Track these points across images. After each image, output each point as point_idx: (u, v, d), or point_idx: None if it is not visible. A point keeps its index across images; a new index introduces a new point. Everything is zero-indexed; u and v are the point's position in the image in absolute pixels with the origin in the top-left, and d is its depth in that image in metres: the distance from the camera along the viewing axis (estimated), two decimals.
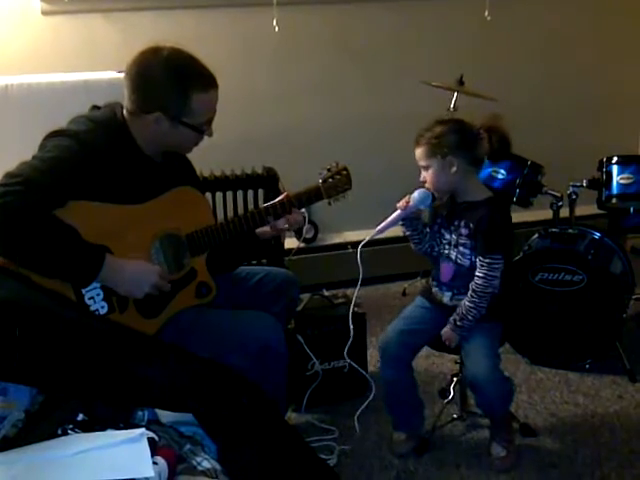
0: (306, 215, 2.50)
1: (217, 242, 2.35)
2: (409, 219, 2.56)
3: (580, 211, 3.43)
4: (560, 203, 3.38)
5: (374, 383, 2.89)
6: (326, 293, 3.20)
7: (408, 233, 2.60)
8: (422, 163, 2.49)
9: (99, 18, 3.63)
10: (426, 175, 2.49)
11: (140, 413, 1.85)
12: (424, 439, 2.72)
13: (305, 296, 3.10)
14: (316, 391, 2.98)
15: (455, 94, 3.62)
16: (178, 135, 2.26)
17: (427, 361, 3.24)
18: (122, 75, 2.27)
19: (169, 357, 1.94)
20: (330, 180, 2.49)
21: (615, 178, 3.32)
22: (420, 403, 2.74)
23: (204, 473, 1.69)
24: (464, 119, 2.53)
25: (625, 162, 3.32)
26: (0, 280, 2.01)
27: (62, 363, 1.81)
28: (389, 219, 2.52)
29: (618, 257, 3.34)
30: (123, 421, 1.81)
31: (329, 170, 2.51)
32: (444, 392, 2.97)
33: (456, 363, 2.86)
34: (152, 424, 1.83)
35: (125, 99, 2.24)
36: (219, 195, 3.48)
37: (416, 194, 2.49)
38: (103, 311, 2.19)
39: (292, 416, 2.93)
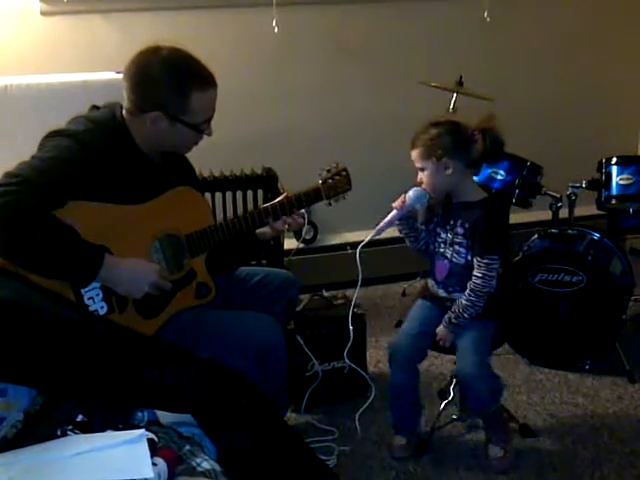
0: (306, 216, 2.50)
1: (216, 242, 2.35)
2: (405, 218, 2.57)
3: (579, 212, 3.43)
4: (559, 204, 3.38)
5: (374, 384, 2.89)
6: (326, 294, 3.19)
7: (404, 232, 2.63)
8: (418, 165, 2.51)
9: (98, 19, 3.63)
10: (422, 176, 2.51)
11: (139, 414, 1.86)
12: (423, 440, 2.72)
13: (305, 297, 3.10)
14: (316, 392, 2.98)
15: (454, 95, 3.62)
16: (177, 134, 2.26)
17: (426, 362, 3.20)
18: (121, 76, 2.27)
19: (168, 358, 1.93)
20: (330, 181, 2.49)
21: (614, 179, 3.32)
22: (422, 407, 2.74)
23: (204, 474, 1.69)
24: (459, 120, 2.54)
25: (625, 163, 3.32)
26: (0, 281, 2.01)
27: (61, 364, 1.80)
28: (386, 219, 2.54)
29: (617, 258, 3.35)
30: (122, 422, 1.81)
31: (329, 171, 2.51)
32: (443, 393, 2.97)
33: (455, 364, 2.85)
34: (151, 425, 1.83)
35: (124, 99, 2.24)
36: (218, 195, 3.47)
37: (411, 193, 2.50)
38: (102, 311, 2.19)
39: (292, 417, 2.93)
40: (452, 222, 2.56)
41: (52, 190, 2.06)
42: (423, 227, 2.64)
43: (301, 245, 3.82)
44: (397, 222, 2.57)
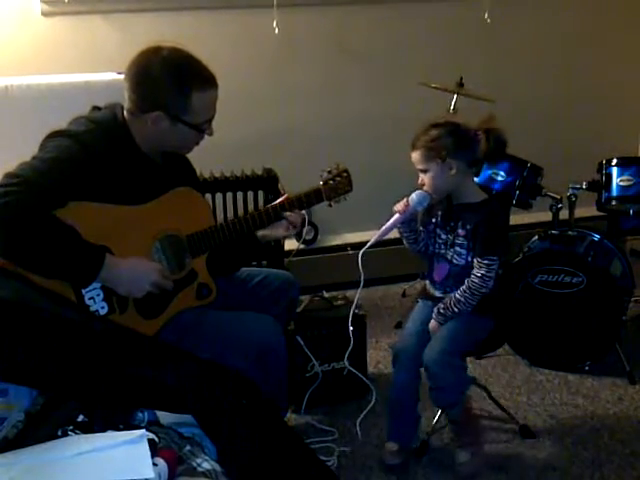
0: (306, 217, 2.50)
1: (217, 243, 2.36)
2: (407, 221, 2.57)
3: (580, 213, 3.44)
4: (560, 205, 3.39)
5: (373, 385, 2.89)
6: (326, 295, 3.20)
7: (405, 234, 2.62)
8: (420, 167, 2.50)
9: (99, 19, 3.63)
10: (424, 178, 2.50)
11: (140, 414, 1.86)
12: (423, 441, 2.72)
13: (305, 297, 3.11)
14: (316, 392, 2.98)
15: (454, 96, 3.62)
16: (178, 134, 2.26)
17: None
18: (122, 76, 2.27)
19: (169, 358, 1.94)
20: (331, 182, 2.49)
21: (615, 180, 3.32)
22: (418, 416, 2.72)
23: (204, 474, 1.69)
24: (459, 121, 2.54)
25: (625, 164, 3.33)
26: (0, 280, 2.01)
27: (62, 364, 1.80)
28: (389, 223, 2.53)
29: (618, 259, 3.35)
30: (123, 422, 1.81)
31: (330, 172, 2.51)
32: None
33: None
34: (152, 425, 1.83)
35: (125, 99, 2.24)
36: (219, 196, 3.47)
37: (414, 196, 2.49)
38: (103, 312, 2.19)
39: (292, 417, 2.93)
40: (453, 224, 2.56)
41: (53, 190, 2.06)
42: (422, 229, 2.64)
43: (301, 246, 3.80)
44: (399, 225, 2.57)
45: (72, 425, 1.75)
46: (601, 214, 3.51)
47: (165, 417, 1.88)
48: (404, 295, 4.02)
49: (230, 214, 3.49)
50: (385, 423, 2.74)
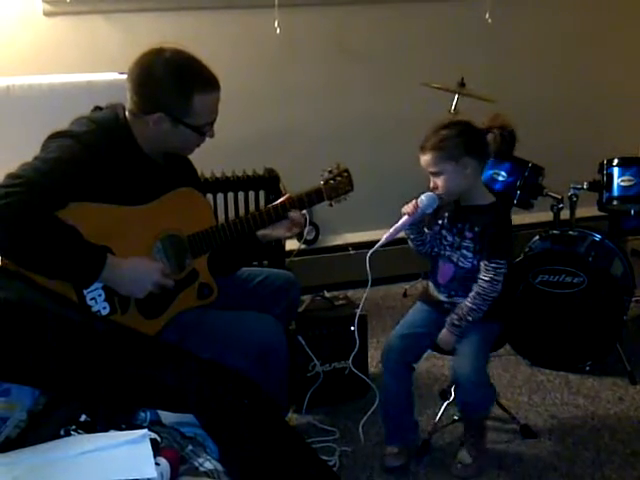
0: (307, 217, 2.50)
1: (219, 243, 2.36)
2: (416, 223, 2.53)
3: (581, 213, 3.44)
4: (561, 205, 3.39)
5: (375, 384, 2.89)
6: (327, 294, 3.20)
7: (412, 236, 2.58)
8: (433, 169, 2.44)
9: (101, 19, 3.63)
10: (437, 181, 2.44)
11: (142, 414, 1.86)
12: (425, 441, 2.73)
13: (306, 297, 3.11)
14: (317, 392, 2.98)
15: (456, 96, 3.63)
16: (179, 136, 2.26)
17: (428, 363, 3.25)
18: (124, 76, 2.27)
19: (170, 358, 1.94)
20: (331, 182, 2.50)
21: (616, 180, 3.32)
22: (415, 422, 2.72)
23: (206, 474, 1.70)
24: (468, 120, 2.51)
25: (626, 164, 3.33)
26: (3, 281, 2.01)
27: (64, 364, 1.81)
28: (397, 225, 2.48)
29: (619, 259, 3.35)
30: (125, 422, 1.81)
31: (330, 172, 2.51)
32: (445, 393, 2.98)
33: None
34: (154, 425, 1.84)
35: (127, 100, 2.25)
36: (220, 196, 3.48)
37: (424, 198, 2.45)
38: (105, 312, 2.20)
39: (293, 417, 2.93)
40: (460, 226, 2.53)
41: (54, 191, 2.06)
42: (427, 230, 2.60)
43: (303, 246, 3.82)
44: (407, 227, 2.53)
45: (75, 425, 1.75)
46: (602, 214, 3.51)
47: (167, 417, 1.89)
48: (405, 295, 4.03)
49: (231, 214, 3.49)
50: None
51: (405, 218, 2.47)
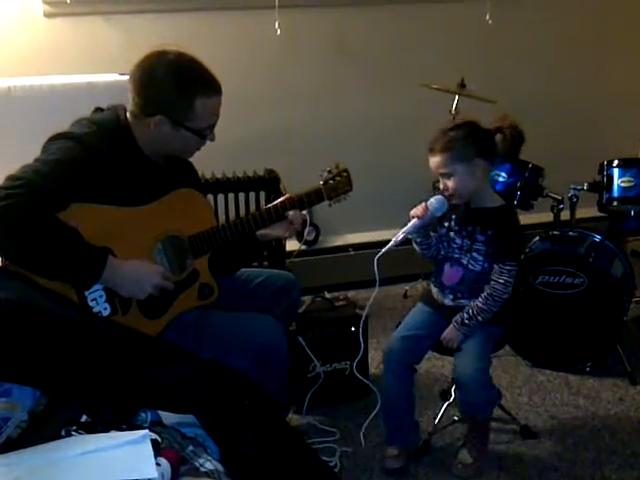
0: (308, 217, 2.50)
1: (219, 244, 2.36)
2: (424, 227, 2.50)
3: (581, 214, 3.44)
4: (561, 206, 3.39)
5: (375, 386, 2.89)
6: (327, 295, 3.20)
7: (419, 239, 2.55)
8: (444, 170, 2.42)
9: (101, 20, 3.63)
10: (448, 182, 2.43)
11: (143, 415, 1.87)
12: (425, 441, 2.73)
13: (307, 298, 3.11)
14: (317, 393, 2.98)
15: (456, 97, 3.63)
16: (180, 139, 2.26)
17: (428, 363, 3.25)
18: (124, 77, 2.27)
19: (171, 359, 1.94)
20: (331, 182, 2.50)
21: (616, 181, 3.32)
22: (416, 424, 2.72)
23: (207, 474, 1.70)
24: (476, 120, 2.49)
25: (626, 165, 3.33)
26: (4, 282, 2.01)
27: (65, 364, 1.81)
28: (406, 228, 2.45)
29: (619, 260, 3.35)
30: (126, 423, 1.81)
31: (330, 172, 2.51)
32: (445, 394, 2.98)
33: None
34: (155, 426, 1.84)
35: (129, 102, 2.25)
36: (221, 197, 3.48)
37: (434, 201, 2.44)
38: (106, 313, 2.20)
39: (293, 418, 2.93)
40: (470, 229, 2.51)
41: (55, 192, 2.06)
42: (433, 233, 2.58)
43: (303, 247, 3.82)
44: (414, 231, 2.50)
45: (75, 425, 1.76)
46: (602, 215, 3.51)
47: (168, 417, 1.89)
48: (406, 296, 4.03)
49: (232, 215, 3.50)
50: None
51: (414, 221, 2.45)
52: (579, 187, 3.37)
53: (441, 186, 2.47)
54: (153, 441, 1.67)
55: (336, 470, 2.61)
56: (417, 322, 2.65)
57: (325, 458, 2.60)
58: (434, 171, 2.46)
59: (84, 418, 1.78)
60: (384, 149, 4.14)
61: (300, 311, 2.97)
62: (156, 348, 2.03)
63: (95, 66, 3.28)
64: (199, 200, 2.42)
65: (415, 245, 2.59)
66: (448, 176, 2.43)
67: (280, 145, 3.95)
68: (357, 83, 4.10)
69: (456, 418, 2.84)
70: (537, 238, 3.39)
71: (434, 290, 2.65)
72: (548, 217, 3.48)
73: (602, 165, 3.39)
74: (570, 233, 3.32)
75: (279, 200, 2.45)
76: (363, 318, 2.72)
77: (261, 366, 2.25)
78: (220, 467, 1.74)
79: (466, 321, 2.50)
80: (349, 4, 4.02)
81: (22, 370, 1.80)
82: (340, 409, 3.00)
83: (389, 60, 4.11)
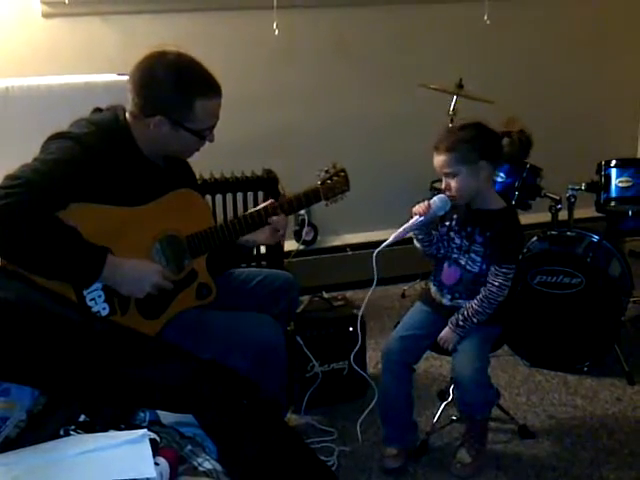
0: (305, 217, 2.50)
1: (217, 244, 2.36)
2: (426, 225, 2.50)
3: (579, 214, 3.44)
4: (559, 206, 3.40)
5: (374, 384, 2.89)
6: (325, 295, 3.20)
7: (420, 237, 2.55)
8: (448, 170, 2.41)
9: (99, 21, 3.63)
10: (451, 182, 2.42)
11: (141, 414, 1.86)
12: (423, 441, 2.73)
13: (305, 298, 3.11)
14: (315, 393, 2.98)
15: (454, 97, 3.63)
16: (179, 140, 2.26)
17: (426, 363, 3.25)
18: (122, 78, 2.28)
19: (170, 358, 1.94)
20: (328, 182, 2.50)
21: (614, 181, 3.33)
22: (414, 424, 2.72)
23: (205, 474, 1.70)
24: (484, 122, 2.47)
25: (624, 165, 3.33)
26: (2, 281, 2.01)
27: (64, 364, 1.81)
28: (407, 225, 2.45)
29: (616, 260, 3.36)
30: (124, 422, 1.81)
31: (327, 172, 2.52)
32: (443, 394, 2.98)
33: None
34: (153, 425, 1.84)
35: (128, 102, 2.25)
36: (219, 197, 3.48)
37: (437, 200, 2.43)
38: (104, 313, 2.20)
39: (291, 417, 2.93)
40: (469, 229, 2.51)
41: (54, 192, 2.06)
42: (434, 232, 2.57)
43: (301, 247, 3.83)
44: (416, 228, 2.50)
45: (74, 425, 1.75)
46: (600, 215, 3.52)
47: (166, 417, 1.89)
48: (404, 296, 4.03)
49: (230, 215, 3.50)
50: None
51: (415, 218, 2.45)
52: (577, 187, 3.38)
53: (443, 185, 2.46)
54: (152, 440, 1.67)
55: (334, 469, 2.61)
56: (415, 322, 2.65)
57: (323, 458, 2.60)
58: (438, 170, 2.45)
59: (83, 418, 1.78)
60: (382, 149, 4.14)
61: (298, 311, 2.97)
62: (155, 348, 2.03)
63: (93, 66, 3.28)
64: (197, 200, 2.43)
65: (416, 242, 2.58)
66: (451, 176, 2.42)
67: (278, 145, 3.95)
68: (355, 83, 4.11)
69: (454, 418, 2.84)
70: (535, 238, 3.40)
71: (433, 289, 2.65)
72: (546, 217, 3.49)
73: (600, 165, 3.40)
74: (568, 233, 3.32)
75: (266, 203, 2.46)
76: (361, 312, 2.71)
77: (260, 366, 2.25)
78: (218, 466, 1.74)
79: (461, 322, 2.50)
80: (347, 4, 4.03)
81: (21, 370, 1.80)
82: (338, 409, 3.00)
83: (387, 60, 4.11)
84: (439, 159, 2.42)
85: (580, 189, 3.38)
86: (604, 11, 4.44)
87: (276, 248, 3.41)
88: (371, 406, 2.73)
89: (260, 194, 3.52)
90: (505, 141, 2.49)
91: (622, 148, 4.12)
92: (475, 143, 2.40)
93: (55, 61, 3.54)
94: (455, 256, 2.55)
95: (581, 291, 3.13)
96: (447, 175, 2.43)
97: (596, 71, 4.51)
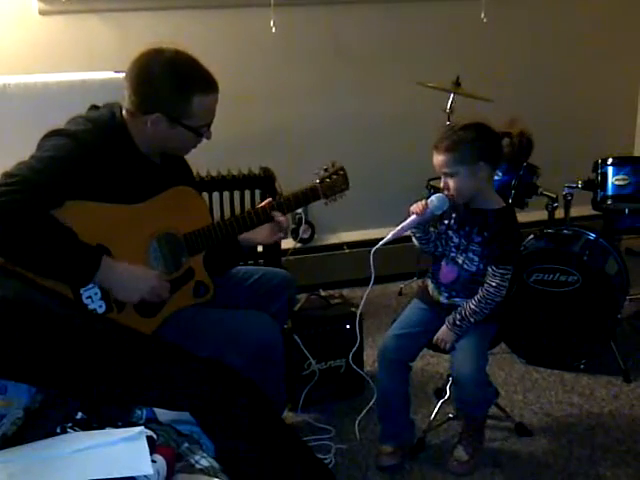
0: (302, 215, 2.50)
1: (215, 242, 2.36)
2: (423, 223, 2.50)
3: (575, 212, 3.45)
4: (555, 204, 3.40)
5: (372, 383, 2.90)
6: (323, 293, 3.20)
7: (417, 235, 2.54)
8: (447, 170, 2.40)
9: (96, 18, 3.63)
10: (449, 182, 2.41)
11: (138, 412, 1.86)
12: (420, 439, 2.73)
13: (302, 296, 3.11)
14: (312, 390, 2.99)
15: (451, 95, 3.64)
16: (177, 137, 2.26)
17: (423, 361, 3.25)
18: (119, 75, 2.27)
19: (167, 356, 1.94)
20: (327, 180, 2.50)
21: (610, 179, 3.33)
22: (411, 422, 2.72)
23: (202, 471, 1.70)
24: (485, 123, 2.46)
25: (620, 163, 3.34)
26: (0, 279, 2.01)
27: (61, 362, 1.81)
28: (405, 223, 2.45)
29: (613, 258, 3.35)
30: (121, 420, 1.81)
31: (326, 170, 2.52)
32: (440, 392, 2.98)
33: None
34: (150, 423, 1.84)
35: (125, 99, 2.24)
36: (216, 195, 3.48)
37: (434, 199, 2.43)
38: (101, 310, 2.19)
39: (288, 415, 2.93)
40: (467, 229, 2.50)
41: (50, 189, 2.06)
42: (433, 229, 2.57)
43: (298, 245, 3.83)
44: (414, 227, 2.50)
45: (71, 422, 1.75)
46: (597, 213, 3.52)
47: (163, 414, 1.89)
48: (401, 293, 4.03)
49: (227, 213, 3.49)
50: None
51: (413, 217, 2.45)
52: (573, 185, 3.38)
53: (442, 184, 2.46)
54: (149, 438, 1.67)
55: (331, 467, 2.61)
56: (412, 320, 2.65)
57: (320, 455, 2.60)
58: (437, 169, 2.44)
59: (80, 415, 1.78)
60: (379, 146, 4.14)
61: (295, 309, 2.97)
62: (152, 346, 2.03)
63: (90, 64, 3.28)
64: (195, 198, 2.43)
65: (414, 239, 2.58)
66: (450, 175, 2.41)
67: (275, 143, 3.95)
68: (352, 81, 4.11)
69: (451, 415, 2.84)
70: (532, 236, 3.39)
71: (430, 287, 2.65)
72: (543, 215, 3.49)
73: (596, 163, 3.40)
74: (565, 231, 3.32)
75: (266, 201, 2.46)
76: (359, 310, 2.72)
77: (257, 363, 2.25)
78: (215, 464, 1.74)
79: (458, 322, 2.50)
80: (344, 2, 4.03)
81: (18, 367, 1.79)
82: (335, 407, 3.00)
83: (384, 58, 4.12)
84: (438, 159, 2.41)
85: (577, 187, 3.39)
86: (601, 10, 4.45)
87: (273, 246, 3.41)
88: (370, 405, 2.72)
89: (257, 192, 3.52)
90: (505, 142, 2.48)
91: (618, 146, 4.12)
92: (475, 144, 2.39)
93: (52, 58, 3.54)
94: (453, 255, 2.55)
95: (578, 289, 3.13)
96: (446, 175, 2.43)
97: (593, 69, 4.51)
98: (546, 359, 3.28)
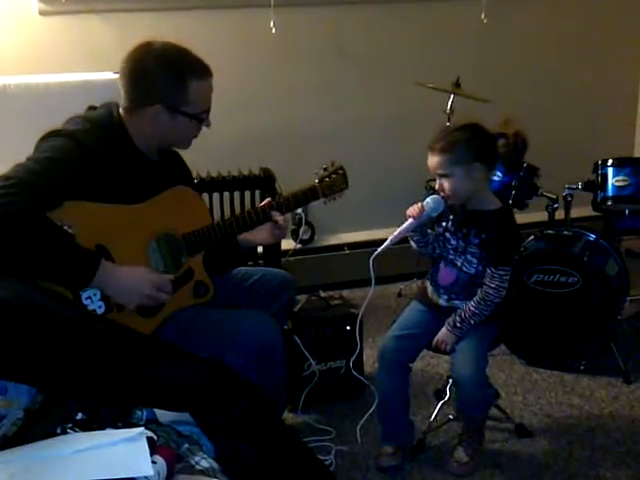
0: (302, 216, 2.50)
1: (214, 242, 2.36)
2: (420, 226, 2.49)
3: (575, 213, 3.44)
4: (556, 205, 3.39)
5: (370, 384, 2.89)
6: (323, 294, 3.20)
7: (415, 238, 2.54)
8: (442, 171, 2.39)
9: (96, 19, 3.63)
10: (444, 183, 2.40)
11: (139, 412, 1.86)
12: (420, 440, 2.73)
13: (302, 297, 3.11)
14: (313, 392, 2.98)
15: (451, 96, 3.64)
16: (177, 127, 2.26)
17: (422, 362, 3.25)
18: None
19: (167, 356, 1.94)
20: (326, 179, 2.50)
21: (610, 180, 3.33)
22: (411, 423, 2.72)
23: (202, 472, 1.70)
24: (479, 123, 2.46)
25: (620, 164, 3.34)
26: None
27: (61, 362, 1.81)
28: (402, 228, 2.45)
29: (613, 259, 3.35)
30: (122, 420, 1.81)
31: (325, 169, 2.52)
32: (440, 393, 2.98)
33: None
34: (150, 423, 1.83)
35: (121, 98, 2.25)
36: (216, 196, 3.48)
37: (430, 201, 2.41)
38: (100, 311, 2.18)
39: (289, 416, 2.93)
40: (465, 230, 2.49)
41: (47, 191, 2.04)
42: (430, 232, 2.56)
43: (298, 245, 3.83)
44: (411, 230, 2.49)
45: (71, 423, 1.75)
46: (597, 214, 3.52)
47: (163, 415, 1.89)
48: (400, 295, 4.03)
49: (227, 214, 3.49)
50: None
51: (410, 221, 2.44)
52: (574, 186, 3.38)
53: (437, 186, 2.45)
54: (149, 439, 1.66)
55: (332, 468, 2.61)
56: (411, 321, 2.65)
57: (321, 457, 2.59)
58: (432, 170, 2.43)
59: (80, 416, 1.78)
60: (378, 147, 4.14)
61: (295, 310, 2.97)
62: (152, 346, 2.03)
63: (90, 64, 3.27)
64: (194, 198, 2.43)
65: (412, 242, 2.58)
66: (445, 177, 2.40)
67: (275, 144, 3.95)
68: (352, 82, 4.11)
69: (451, 417, 2.84)
70: (532, 237, 3.39)
71: (430, 289, 2.64)
72: (543, 216, 3.49)
73: (596, 164, 3.40)
74: (565, 232, 3.32)
75: (275, 198, 2.46)
76: (359, 317, 2.71)
77: (257, 364, 2.25)
78: (215, 465, 1.74)
79: (458, 324, 2.50)
80: (344, 3, 4.03)
81: (18, 368, 1.80)
82: (335, 408, 3.00)
83: (384, 59, 4.12)
84: (433, 160, 2.40)
85: (577, 188, 3.39)
86: (600, 10, 4.45)
87: (273, 247, 3.41)
88: (371, 410, 2.70)
89: (257, 193, 3.52)
90: (500, 142, 2.48)
91: (618, 147, 4.12)
92: (470, 145, 2.38)
93: (52, 59, 3.54)
94: (451, 257, 2.54)
95: (578, 290, 3.13)
96: (441, 176, 2.41)
97: (593, 70, 4.51)
98: (546, 360, 3.28)
